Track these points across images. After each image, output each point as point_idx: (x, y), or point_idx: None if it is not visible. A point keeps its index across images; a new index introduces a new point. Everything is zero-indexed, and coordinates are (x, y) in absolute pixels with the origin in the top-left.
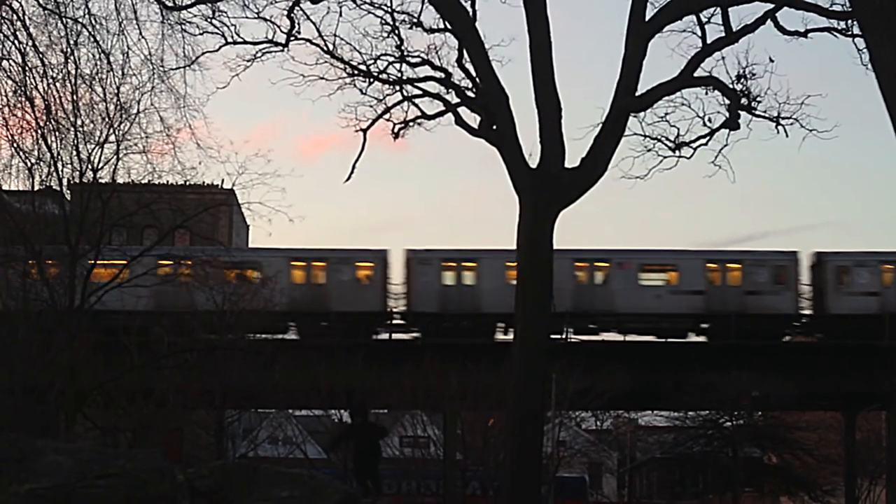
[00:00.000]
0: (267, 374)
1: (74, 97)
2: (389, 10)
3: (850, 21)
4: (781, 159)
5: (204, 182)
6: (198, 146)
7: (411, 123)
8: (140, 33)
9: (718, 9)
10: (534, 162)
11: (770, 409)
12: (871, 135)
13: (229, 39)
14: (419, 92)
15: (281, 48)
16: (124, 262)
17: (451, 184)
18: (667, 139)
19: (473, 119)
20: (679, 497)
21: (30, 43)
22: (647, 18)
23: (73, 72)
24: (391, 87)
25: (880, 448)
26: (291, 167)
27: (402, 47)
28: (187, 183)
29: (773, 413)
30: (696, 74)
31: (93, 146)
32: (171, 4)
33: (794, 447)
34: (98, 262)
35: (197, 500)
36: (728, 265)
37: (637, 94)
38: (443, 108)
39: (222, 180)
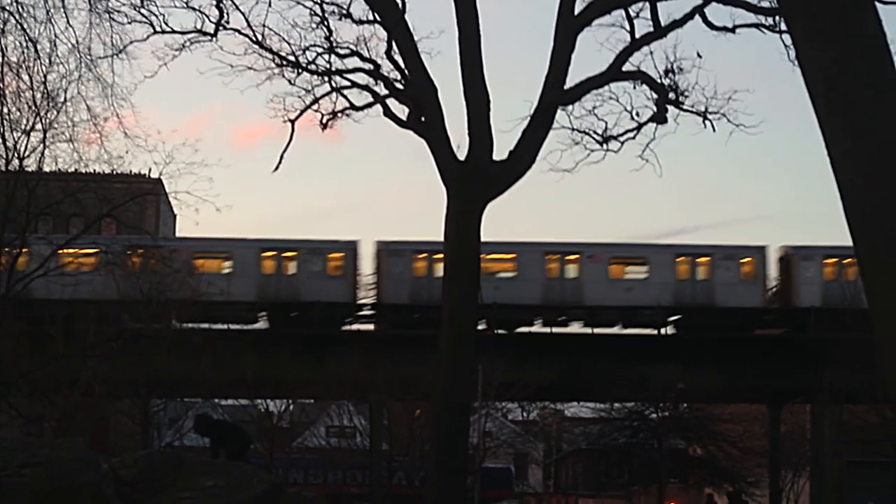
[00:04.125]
0: (194, 364)
1: (1, 85)
2: (318, 1)
3: (777, 17)
4: (715, 153)
5: (131, 171)
6: (125, 135)
7: (340, 114)
8: (68, 21)
9: (647, 4)
10: (462, 154)
11: (696, 400)
12: (799, 130)
13: (157, 28)
14: (348, 83)
15: (209, 38)
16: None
17: (386, 175)
18: (595, 133)
19: (402, 111)
20: (604, 488)
21: None
22: (576, 12)
23: (0, 60)
24: (320, 78)
25: (804, 440)
26: (222, 157)
27: (331, 38)
28: (114, 172)
29: (698, 405)
30: (624, 69)
31: (19, 134)
32: None
33: (719, 439)
34: None
35: (122, 489)
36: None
37: (565, 87)
38: (371, 99)
39: (150, 169)
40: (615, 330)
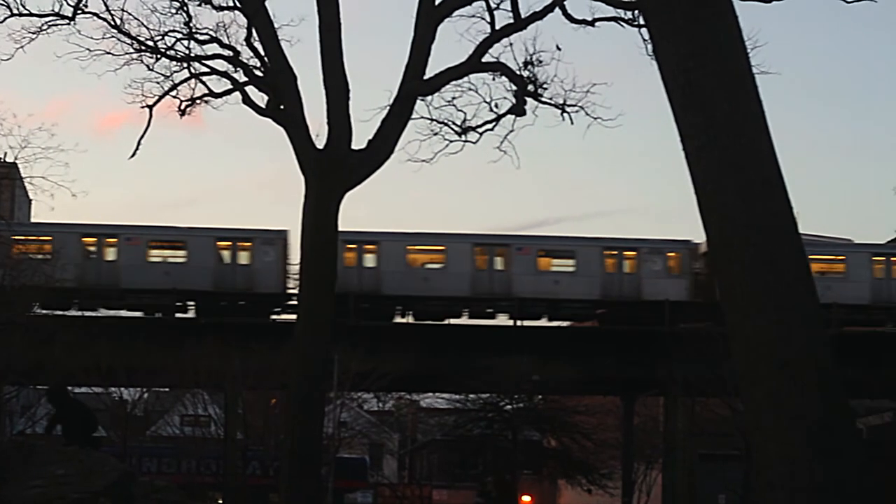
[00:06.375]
0: (47, 351)
1: None
2: None
3: (636, 11)
4: (582, 146)
5: None
6: None
7: (198, 101)
8: None
9: None
10: (321, 143)
11: (550, 392)
12: (658, 123)
13: (14, 11)
14: (207, 70)
15: (67, 21)
16: None
17: (250, 162)
18: (453, 123)
19: (262, 98)
20: (458, 478)
21: None
22: (437, 2)
23: None
24: (178, 64)
25: (657, 433)
26: (83, 143)
27: (191, 24)
28: None
29: (553, 397)
30: (483, 60)
31: None
32: None
33: (573, 431)
34: None
35: None
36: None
37: (425, 77)
38: (230, 86)
39: (4, 154)
40: (470, 321)
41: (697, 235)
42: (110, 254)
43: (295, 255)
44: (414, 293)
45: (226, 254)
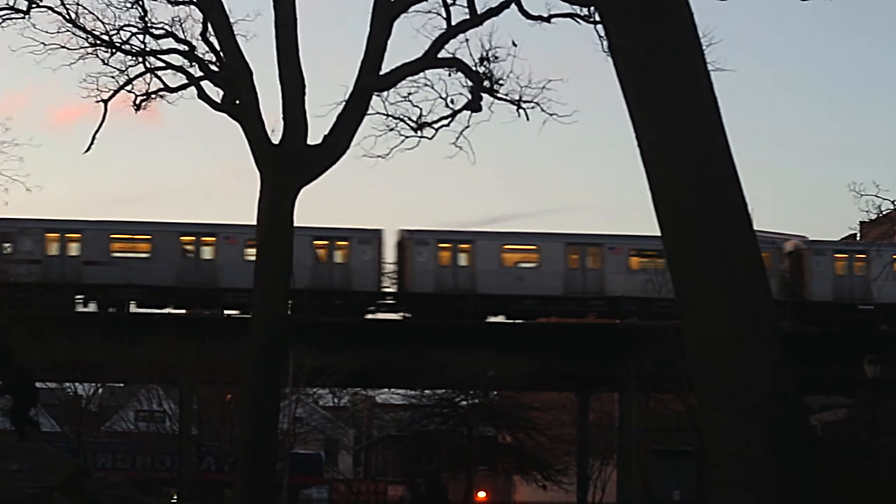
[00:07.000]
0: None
1: None
2: None
3: (591, 8)
4: (538, 142)
5: None
6: None
7: (154, 96)
8: None
9: None
10: (277, 138)
11: (505, 388)
12: (613, 120)
13: None
14: (162, 64)
15: (22, 15)
16: None
17: (206, 156)
18: (409, 119)
19: (217, 93)
20: (414, 474)
21: None
22: None
23: None
24: (134, 58)
25: (612, 429)
26: (39, 137)
27: (146, 18)
28: None
29: (508, 393)
30: (439, 56)
31: None
32: None
33: (528, 427)
34: None
35: None
36: None
37: (381, 73)
38: (186, 81)
39: None
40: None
41: (653, 230)
42: (208, 252)
43: (390, 254)
44: (508, 292)
45: (322, 252)
